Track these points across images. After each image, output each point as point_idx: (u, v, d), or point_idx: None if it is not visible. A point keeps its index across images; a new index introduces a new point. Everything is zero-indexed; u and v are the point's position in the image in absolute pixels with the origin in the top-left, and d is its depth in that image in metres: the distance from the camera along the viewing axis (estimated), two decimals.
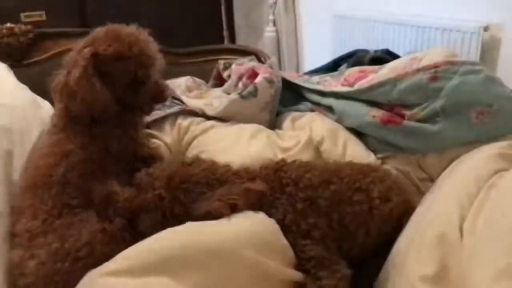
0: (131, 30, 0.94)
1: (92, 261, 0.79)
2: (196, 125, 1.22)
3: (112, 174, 0.91)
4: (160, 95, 1.00)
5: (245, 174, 0.90)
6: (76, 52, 0.92)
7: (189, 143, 1.20)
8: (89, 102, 0.89)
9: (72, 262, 0.79)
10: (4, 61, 1.29)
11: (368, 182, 0.89)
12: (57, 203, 0.84)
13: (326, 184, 0.88)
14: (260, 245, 0.78)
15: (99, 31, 0.94)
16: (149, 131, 1.19)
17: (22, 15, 2.00)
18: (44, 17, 2.04)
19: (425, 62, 1.12)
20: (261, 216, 0.82)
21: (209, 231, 0.77)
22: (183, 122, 1.23)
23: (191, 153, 1.15)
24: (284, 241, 0.82)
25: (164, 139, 1.18)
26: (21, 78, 1.22)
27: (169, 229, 0.78)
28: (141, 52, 0.93)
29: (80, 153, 0.89)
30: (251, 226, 0.80)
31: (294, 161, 0.95)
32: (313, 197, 0.87)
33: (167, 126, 1.22)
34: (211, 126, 1.22)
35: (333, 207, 0.86)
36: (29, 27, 1.51)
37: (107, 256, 0.78)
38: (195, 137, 1.20)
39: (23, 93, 1.14)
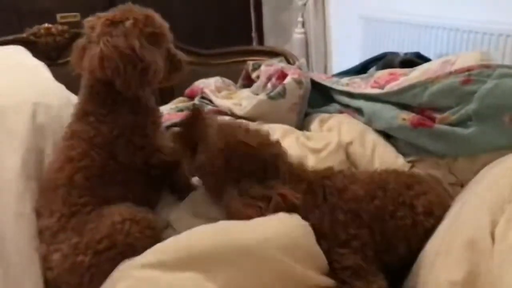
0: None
1: (115, 253, 0.81)
2: None
3: (120, 183, 0.92)
4: (179, 64, 1.00)
5: (299, 172, 0.90)
6: (106, 25, 0.90)
7: None
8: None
9: (93, 255, 0.81)
10: (41, 60, 1.33)
11: (412, 196, 0.88)
12: (65, 203, 0.87)
13: (370, 197, 0.87)
14: (290, 248, 0.78)
15: (122, 8, 0.93)
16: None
17: (58, 16, 2.06)
18: (78, 18, 2.10)
19: (458, 65, 1.10)
20: (294, 219, 0.82)
21: (241, 230, 0.78)
22: None
23: None
24: (316, 247, 0.81)
25: None
26: (56, 77, 1.25)
27: (201, 226, 0.80)
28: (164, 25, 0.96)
29: (82, 160, 0.90)
30: (282, 228, 0.79)
31: (341, 171, 0.95)
32: (356, 210, 0.86)
33: None
34: None
35: (375, 220, 0.85)
36: (65, 27, 1.57)
37: (133, 247, 0.81)
38: None
39: (60, 92, 1.17)
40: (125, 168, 0.92)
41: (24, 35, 1.51)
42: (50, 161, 0.96)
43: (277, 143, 0.93)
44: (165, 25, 0.95)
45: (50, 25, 1.54)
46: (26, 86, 1.11)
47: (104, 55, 0.87)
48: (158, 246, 0.78)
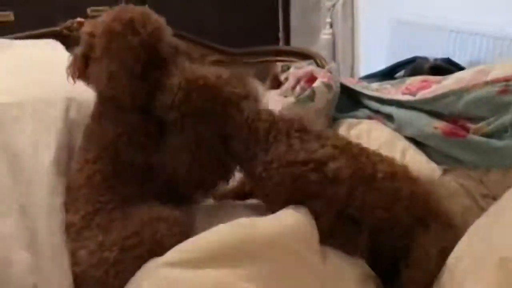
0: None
1: (142, 251, 0.82)
2: None
3: (137, 182, 0.92)
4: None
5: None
6: (108, 38, 0.89)
7: None
8: None
9: (120, 251, 0.82)
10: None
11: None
12: (88, 201, 0.88)
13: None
14: (305, 241, 0.81)
15: (117, 10, 0.92)
16: None
17: (88, 9, 2.09)
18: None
19: (494, 74, 1.08)
20: (303, 213, 0.84)
21: (263, 225, 0.80)
22: None
23: None
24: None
25: None
26: None
27: (222, 224, 0.81)
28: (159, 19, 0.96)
29: (96, 163, 0.92)
30: (297, 222, 0.82)
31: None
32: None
33: None
34: None
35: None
36: None
37: (161, 245, 0.82)
38: None
39: None
40: (137, 168, 0.92)
41: (57, 28, 1.52)
42: (74, 160, 0.97)
43: (248, 87, 0.91)
44: (161, 19, 0.94)
45: (82, 19, 1.55)
46: (59, 81, 1.12)
47: (111, 75, 0.88)
48: (183, 244, 0.78)
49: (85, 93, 1.10)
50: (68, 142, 0.99)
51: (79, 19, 1.54)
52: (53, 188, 0.91)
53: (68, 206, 0.90)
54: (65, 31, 1.52)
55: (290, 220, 0.82)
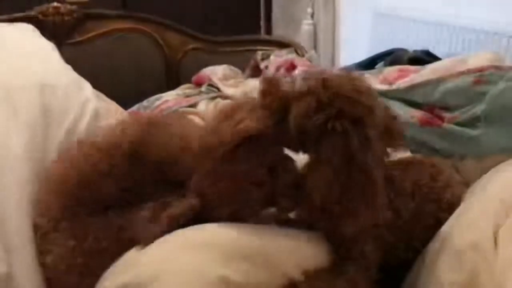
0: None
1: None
2: None
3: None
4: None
5: None
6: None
7: None
8: None
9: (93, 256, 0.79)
10: (49, 39, 1.31)
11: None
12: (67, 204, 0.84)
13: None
14: (302, 265, 0.75)
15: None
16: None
17: None
18: None
19: (470, 65, 1.10)
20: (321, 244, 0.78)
21: (268, 238, 0.75)
22: (220, 101, 1.25)
23: None
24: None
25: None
26: (64, 57, 1.24)
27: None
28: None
29: None
30: (306, 248, 0.76)
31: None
32: None
33: (202, 107, 1.24)
34: None
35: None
36: (74, 7, 1.55)
37: None
38: None
39: (67, 73, 1.16)
40: None
41: (32, 13, 1.49)
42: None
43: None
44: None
45: (58, 4, 1.52)
46: (33, 66, 1.10)
47: None
48: (178, 231, 0.75)
49: (59, 79, 1.09)
50: (41, 126, 0.97)
51: (55, 3, 1.51)
52: (25, 174, 0.88)
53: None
54: (40, 16, 1.49)
55: (300, 245, 0.75)
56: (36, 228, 0.84)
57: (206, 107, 1.23)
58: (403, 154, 1.08)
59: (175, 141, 0.84)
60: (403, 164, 0.91)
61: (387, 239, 0.80)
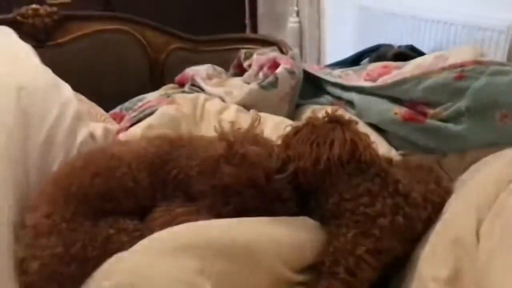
0: None
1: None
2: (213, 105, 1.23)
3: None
4: None
5: None
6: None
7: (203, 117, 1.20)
8: None
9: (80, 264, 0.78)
10: (28, 42, 1.29)
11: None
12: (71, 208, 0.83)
13: None
14: (289, 258, 0.76)
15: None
16: None
17: None
18: (69, 0, 2.06)
19: (452, 60, 1.10)
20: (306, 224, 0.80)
21: (245, 231, 0.76)
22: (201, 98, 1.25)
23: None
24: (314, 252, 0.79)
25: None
26: (44, 59, 1.22)
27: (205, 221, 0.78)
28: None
29: None
30: (287, 237, 0.77)
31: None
32: None
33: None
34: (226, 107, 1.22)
35: None
36: (54, 8, 1.52)
37: None
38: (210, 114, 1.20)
39: (45, 75, 1.13)
40: None
41: (11, 15, 1.46)
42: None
43: None
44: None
45: (38, 6, 1.50)
46: (11, 69, 1.08)
47: None
48: (154, 234, 0.75)
49: (36, 82, 1.07)
50: (19, 130, 0.95)
51: (34, 5, 1.49)
52: (2, 180, 0.87)
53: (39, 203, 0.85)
54: (19, 18, 1.46)
55: (281, 234, 0.77)
56: (25, 226, 0.82)
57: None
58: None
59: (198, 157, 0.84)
60: (406, 169, 0.88)
61: (396, 251, 0.80)
